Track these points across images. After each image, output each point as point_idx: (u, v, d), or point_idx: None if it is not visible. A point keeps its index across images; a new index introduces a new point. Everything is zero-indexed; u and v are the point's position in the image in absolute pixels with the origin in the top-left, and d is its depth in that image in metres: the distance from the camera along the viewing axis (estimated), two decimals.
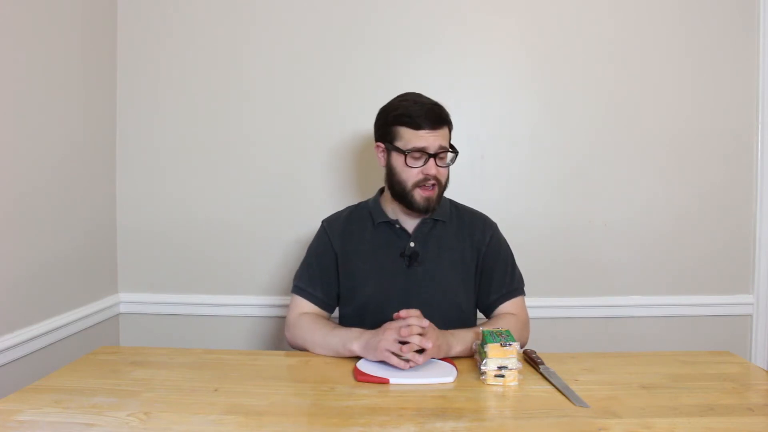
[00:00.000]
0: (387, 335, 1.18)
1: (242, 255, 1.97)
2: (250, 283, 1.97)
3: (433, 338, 1.17)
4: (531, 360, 1.23)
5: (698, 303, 1.95)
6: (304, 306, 1.43)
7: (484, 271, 1.43)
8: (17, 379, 1.39)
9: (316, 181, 1.95)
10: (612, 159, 1.95)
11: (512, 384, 1.10)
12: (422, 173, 1.32)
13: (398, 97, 1.40)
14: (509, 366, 1.10)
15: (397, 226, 1.42)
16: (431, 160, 1.32)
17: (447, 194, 1.53)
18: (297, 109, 1.94)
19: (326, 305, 1.45)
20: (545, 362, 1.20)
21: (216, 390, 1.08)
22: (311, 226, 1.89)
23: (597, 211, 1.95)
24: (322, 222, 1.51)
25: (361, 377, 1.13)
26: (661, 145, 1.94)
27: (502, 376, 1.10)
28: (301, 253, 1.93)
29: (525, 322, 1.42)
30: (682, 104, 1.94)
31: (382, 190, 1.50)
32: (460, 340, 1.26)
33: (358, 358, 1.23)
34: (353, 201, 1.58)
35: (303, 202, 1.95)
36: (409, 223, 1.42)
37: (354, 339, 1.24)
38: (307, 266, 1.47)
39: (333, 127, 1.94)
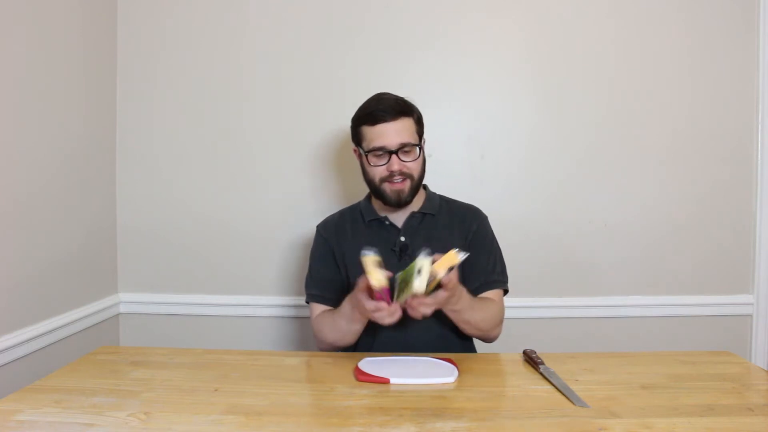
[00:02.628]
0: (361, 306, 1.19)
1: (242, 255, 1.97)
2: (250, 283, 1.97)
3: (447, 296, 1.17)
4: (531, 360, 1.23)
5: (698, 303, 1.95)
6: (316, 310, 1.46)
7: (468, 259, 1.42)
8: (17, 379, 1.39)
9: (316, 182, 1.95)
10: (612, 159, 1.95)
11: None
12: (387, 170, 1.36)
13: (367, 99, 1.44)
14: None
15: (387, 222, 1.45)
16: (393, 156, 1.34)
17: (443, 191, 1.54)
18: (297, 109, 1.94)
19: (338, 304, 1.43)
20: (545, 362, 1.20)
21: (216, 390, 1.08)
22: (311, 227, 1.89)
23: (597, 212, 1.95)
24: (317, 227, 1.54)
25: (361, 377, 1.13)
26: (661, 145, 1.94)
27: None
28: (300, 253, 1.95)
29: (502, 314, 1.42)
30: (681, 104, 1.94)
31: None
32: (466, 299, 1.28)
33: (359, 357, 1.23)
34: (354, 202, 1.59)
35: (303, 203, 1.95)
36: (398, 219, 1.45)
37: (349, 311, 1.29)
38: (313, 272, 1.50)
39: (332, 127, 1.93)
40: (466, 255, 1.13)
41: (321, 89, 1.94)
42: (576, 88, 1.94)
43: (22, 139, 1.49)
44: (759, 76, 1.92)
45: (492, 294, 1.42)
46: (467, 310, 1.29)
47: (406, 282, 1.11)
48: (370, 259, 1.15)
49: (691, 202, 1.95)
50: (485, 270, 1.43)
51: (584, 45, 1.93)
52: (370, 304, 1.17)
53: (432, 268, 1.09)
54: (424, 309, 1.15)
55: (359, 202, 1.54)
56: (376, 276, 1.13)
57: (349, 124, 1.45)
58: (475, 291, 1.41)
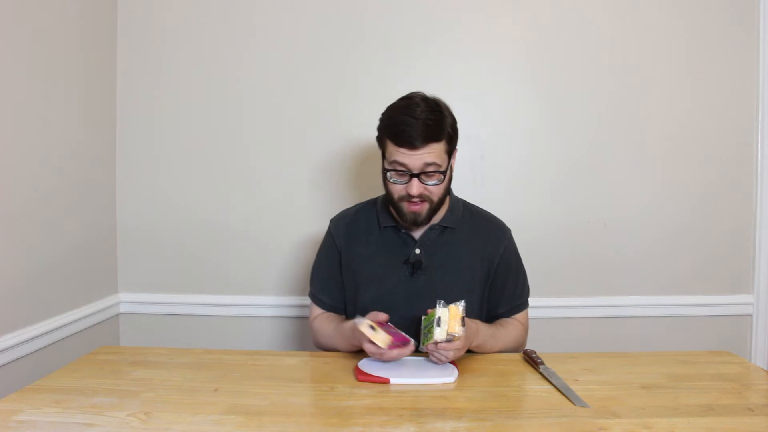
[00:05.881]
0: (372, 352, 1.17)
1: (242, 255, 1.97)
2: (250, 283, 1.97)
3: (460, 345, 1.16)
4: (531, 360, 1.23)
5: (698, 303, 1.95)
6: (316, 312, 1.47)
7: (495, 284, 1.40)
8: (17, 379, 1.39)
9: (315, 182, 1.95)
10: (612, 159, 1.95)
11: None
12: (405, 191, 1.27)
13: (401, 99, 1.32)
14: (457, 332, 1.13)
15: (403, 231, 1.37)
16: (414, 180, 1.25)
17: (457, 194, 1.50)
18: (296, 109, 1.94)
19: (335, 309, 1.46)
20: (545, 362, 1.20)
21: (216, 390, 1.08)
22: (310, 227, 1.90)
23: (597, 211, 1.95)
24: (330, 221, 1.49)
25: (361, 377, 1.13)
26: (661, 145, 1.94)
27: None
28: (299, 254, 1.95)
29: (526, 332, 1.44)
30: (682, 104, 1.94)
31: None
32: (484, 333, 1.28)
33: (359, 357, 1.23)
34: (352, 203, 1.56)
35: (302, 203, 1.95)
36: (416, 229, 1.37)
37: (353, 339, 1.26)
38: (316, 271, 1.49)
39: (332, 128, 1.94)
40: (464, 303, 1.15)
41: (320, 90, 1.94)
42: (576, 87, 1.94)
43: (23, 139, 1.49)
44: (759, 76, 1.92)
45: (518, 316, 1.43)
46: (488, 342, 1.30)
47: (429, 329, 1.15)
48: (364, 327, 1.15)
49: (691, 202, 1.95)
50: (513, 295, 1.42)
51: (584, 45, 1.93)
52: (373, 350, 1.17)
53: (450, 328, 1.12)
54: (446, 356, 1.15)
55: (377, 201, 1.46)
56: (380, 338, 1.15)
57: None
58: (501, 315, 1.42)
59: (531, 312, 1.46)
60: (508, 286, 1.41)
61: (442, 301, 1.15)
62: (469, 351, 1.29)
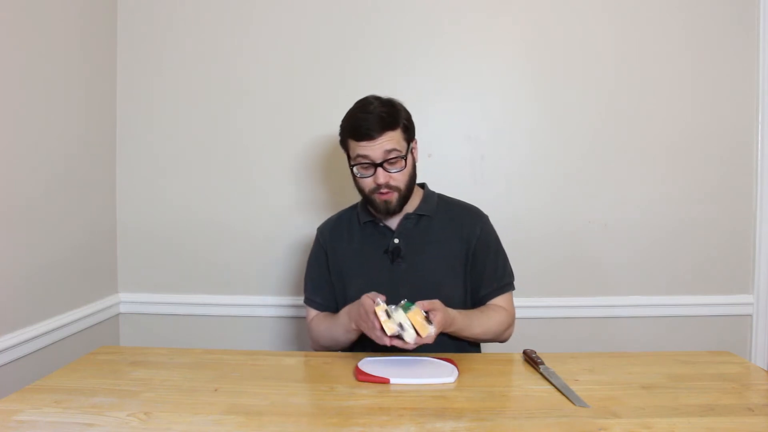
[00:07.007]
0: (368, 327, 1.20)
1: (242, 255, 1.97)
2: (250, 283, 1.98)
3: (440, 319, 1.18)
4: (531, 360, 1.23)
5: (698, 303, 1.95)
6: (311, 314, 1.50)
7: (475, 266, 1.42)
8: (17, 379, 1.39)
9: (315, 183, 1.95)
10: (612, 159, 1.95)
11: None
12: (374, 182, 1.34)
13: (356, 102, 1.40)
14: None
15: (381, 224, 1.44)
16: (379, 169, 1.32)
17: (443, 192, 1.53)
18: (296, 109, 1.94)
19: (327, 308, 1.49)
20: (545, 362, 1.20)
21: (216, 390, 1.08)
22: (310, 228, 1.89)
23: (597, 212, 1.95)
24: (317, 229, 1.56)
25: (361, 377, 1.13)
26: (661, 145, 1.94)
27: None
28: (299, 254, 1.95)
29: (513, 318, 1.44)
30: (682, 104, 1.94)
31: None
32: (460, 322, 1.29)
33: (359, 357, 1.23)
34: (352, 203, 1.58)
35: (302, 204, 1.96)
36: (393, 221, 1.44)
37: (347, 322, 1.31)
38: (307, 275, 1.53)
39: (332, 127, 1.92)
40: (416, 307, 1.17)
41: (321, 90, 1.94)
42: (576, 87, 1.94)
43: (23, 139, 1.49)
44: (759, 76, 1.92)
45: (501, 299, 1.42)
46: (465, 329, 1.31)
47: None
48: (381, 310, 1.16)
49: (691, 202, 1.95)
50: (494, 276, 1.43)
51: (584, 45, 1.93)
52: (368, 326, 1.19)
53: (420, 330, 1.14)
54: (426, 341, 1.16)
55: (358, 202, 1.53)
56: (389, 326, 1.15)
57: None
58: (484, 298, 1.42)
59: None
60: (488, 268, 1.42)
61: (402, 303, 1.17)
62: (448, 336, 1.32)
